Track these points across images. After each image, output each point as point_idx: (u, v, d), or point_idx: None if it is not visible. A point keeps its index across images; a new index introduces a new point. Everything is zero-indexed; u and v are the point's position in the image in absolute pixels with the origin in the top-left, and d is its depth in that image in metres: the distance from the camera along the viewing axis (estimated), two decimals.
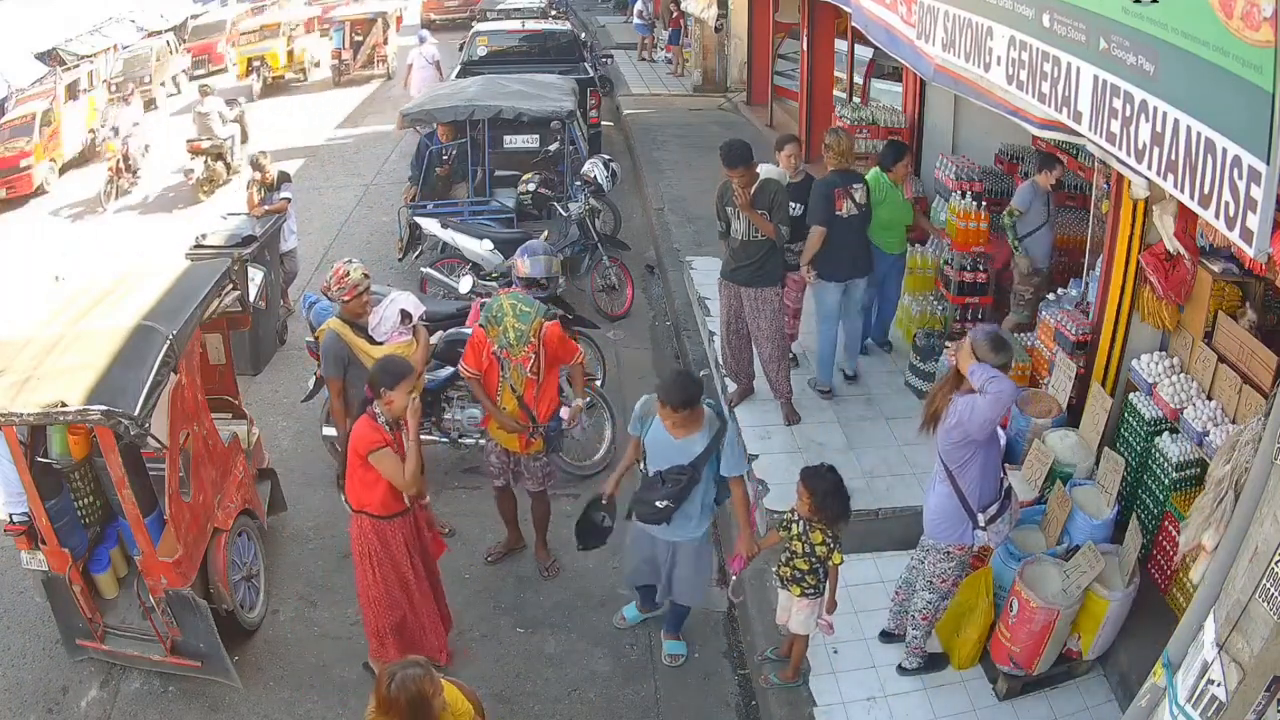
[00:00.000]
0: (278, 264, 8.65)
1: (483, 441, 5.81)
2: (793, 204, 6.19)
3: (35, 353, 4.54)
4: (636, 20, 20.29)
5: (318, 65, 21.28)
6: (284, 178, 8.81)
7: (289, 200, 8.76)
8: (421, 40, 15.13)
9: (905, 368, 7.01)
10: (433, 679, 3.00)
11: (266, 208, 8.61)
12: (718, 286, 6.48)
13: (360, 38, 20.26)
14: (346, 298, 5.23)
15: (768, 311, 6.18)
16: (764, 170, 6.01)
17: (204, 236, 8.32)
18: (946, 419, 4.14)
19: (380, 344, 5.37)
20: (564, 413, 5.32)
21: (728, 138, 6.08)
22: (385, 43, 20.42)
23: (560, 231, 8.58)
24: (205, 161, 13.08)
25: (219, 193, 13.11)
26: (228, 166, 13.41)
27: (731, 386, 6.85)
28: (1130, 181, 4.58)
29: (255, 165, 8.74)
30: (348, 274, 5.23)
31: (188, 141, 13.27)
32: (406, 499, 4.53)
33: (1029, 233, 6.46)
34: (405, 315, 5.48)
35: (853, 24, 7.67)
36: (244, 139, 14.13)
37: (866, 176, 6.75)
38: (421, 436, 5.94)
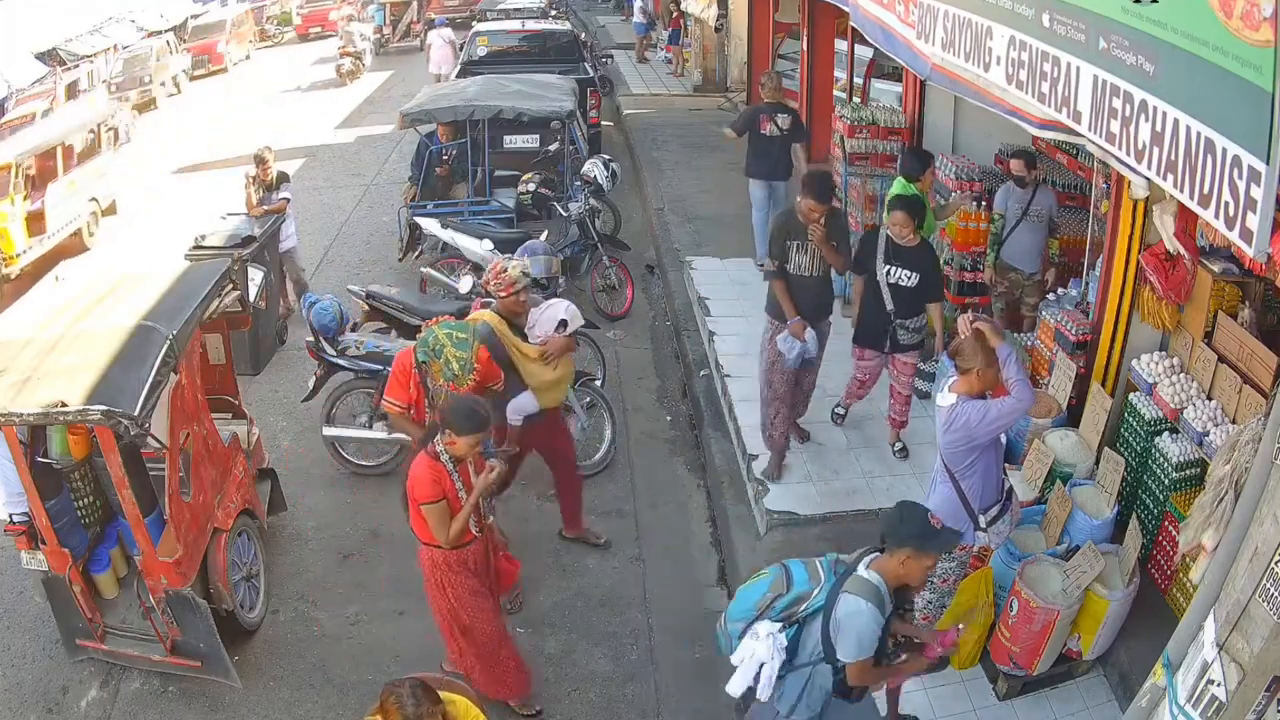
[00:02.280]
0: (277, 264, 8.65)
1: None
2: (906, 272, 5.60)
3: (35, 353, 4.54)
4: (637, 19, 20.27)
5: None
6: (283, 178, 8.81)
7: (288, 200, 8.76)
8: (440, 25, 18.58)
9: None
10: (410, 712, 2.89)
11: (265, 208, 8.61)
12: (776, 334, 5.75)
13: (396, 18, 24.86)
14: (503, 293, 5.16)
15: (824, 341, 5.90)
16: None
17: (203, 237, 8.31)
18: (949, 422, 4.14)
19: (534, 345, 5.27)
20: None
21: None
22: (418, 21, 24.91)
23: (560, 231, 8.57)
24: (350, 60, 20.45)
25: (354, 84, 20.14)
26: (362, 66, 20.85)
27: (732, 389, 6.84)
28: (1130, 181, 4.58)
29: (258, 160, 8.73)
30: (505, 270, 5.15)
31: (339, 48, 20.95)
32: (475, 528, 4.33)
33: (1007, 234, 6.54)
34: (562, 324, 5.30)
35: (851, 24, 7.66)
36: (380, 49, 23.12)
37: (893, 188, 6.69)
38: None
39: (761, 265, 8.64)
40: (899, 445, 6.26)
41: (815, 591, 3.47)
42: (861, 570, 3.41)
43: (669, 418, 7.44)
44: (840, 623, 3.36)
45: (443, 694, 3.04)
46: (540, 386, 5.26)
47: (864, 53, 10.78)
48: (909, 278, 5.63)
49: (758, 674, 3.49)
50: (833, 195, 5.63)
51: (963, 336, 4.24)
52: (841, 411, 6.55)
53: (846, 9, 7.46)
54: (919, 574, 3.38)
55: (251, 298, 6.95)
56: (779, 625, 3.49)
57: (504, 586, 4.79)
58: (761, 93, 8.99)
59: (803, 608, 3.47)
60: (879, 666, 3.50)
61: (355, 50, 20.92)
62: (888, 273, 5.65)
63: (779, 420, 5.95)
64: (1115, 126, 3.61)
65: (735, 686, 3.57)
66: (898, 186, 6.66)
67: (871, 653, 3.36)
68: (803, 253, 5.65)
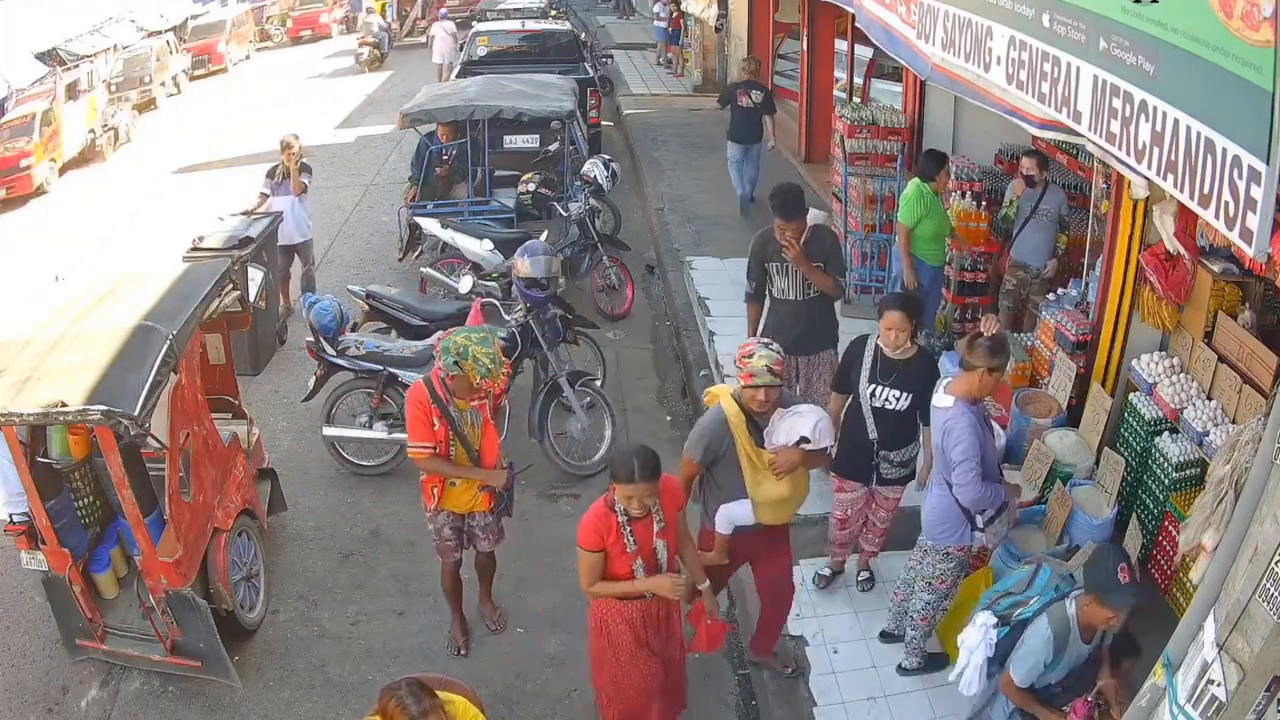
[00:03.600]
0: (277, 262, 8.65)
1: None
2: (895, 392, 4.63)
3: (35, 353, 4.54)
4: (656, 23, 20.25)
5: None
6: (304, 169, 8.82)
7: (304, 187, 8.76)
8: (444, 17, 20.50)
9: None
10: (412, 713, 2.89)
11: (268, 196, 8.63)
12: None
13: (403, 14, 26.24)
14: (742, 381, 4.18)
15: (828, 375, 5.44)
16: (810, 216, 5.37)
17: (201, 238, 8.31)
18: (942, 426, 4.16)
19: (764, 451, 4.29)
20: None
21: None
22: (423, 18, 25.91)
23: (560, 231, 8.58)
24: (369, 49, 21.91)
25: (374, 72, 21.51)
26: (383, 56, 22.24)
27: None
28: (1130, 181, 4.58)
29: (283, 145, 8.72)
30: (752, 355, 4.11)
31: (359, 38, 22.55)
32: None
33: (1017, 232, 6.57)
34: (803, 440, 4.24)
35: (855, 24, 7.67)
36: (391, 44, 23.47)
37: (908, 189, 6.72)
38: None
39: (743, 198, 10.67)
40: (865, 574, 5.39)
41: (1033, 600, 3.63)
42: (1068, 601, 3.53)
43: (669, 418, 7.43)
44: (1024, 639, 3.52)
45: (441, 694, 3.04)
46: (761, 499, 4.27)
47: (864, 53, 10.80)
48: (898, 399, 4.62)
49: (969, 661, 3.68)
50: (800, 210, 5.15)
51: (986, 334, 4.24)
52: (826, 574, 5.31)
53: (851, 10, 7.48)
54: (1100, 621, 3.44)
55: (251, 298, 6.96)
56: (995, 621, 3.65)
57: (697, 648, 4.36)
58: (740, 73, 11.02)
59: (1018, 612, 3.63)
60: (1033, 696, 3.56)
61: (374, 40, 22.46)
62: (873, 393, 4.65)
63: None
64: (1115, 126, 3.61)
65: (954, 670, 3.83)
66: (912, 187, 6.67)
67: (1028, 683, 3.49)
68: (784, 275, 5.45)
